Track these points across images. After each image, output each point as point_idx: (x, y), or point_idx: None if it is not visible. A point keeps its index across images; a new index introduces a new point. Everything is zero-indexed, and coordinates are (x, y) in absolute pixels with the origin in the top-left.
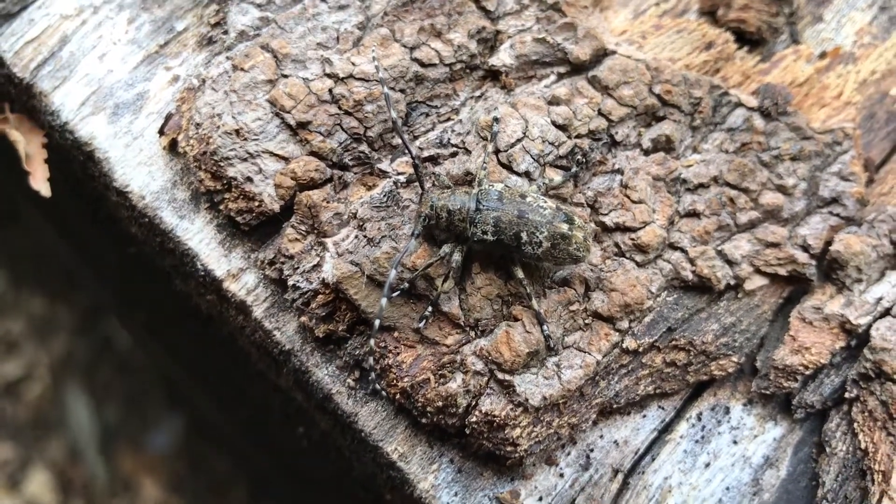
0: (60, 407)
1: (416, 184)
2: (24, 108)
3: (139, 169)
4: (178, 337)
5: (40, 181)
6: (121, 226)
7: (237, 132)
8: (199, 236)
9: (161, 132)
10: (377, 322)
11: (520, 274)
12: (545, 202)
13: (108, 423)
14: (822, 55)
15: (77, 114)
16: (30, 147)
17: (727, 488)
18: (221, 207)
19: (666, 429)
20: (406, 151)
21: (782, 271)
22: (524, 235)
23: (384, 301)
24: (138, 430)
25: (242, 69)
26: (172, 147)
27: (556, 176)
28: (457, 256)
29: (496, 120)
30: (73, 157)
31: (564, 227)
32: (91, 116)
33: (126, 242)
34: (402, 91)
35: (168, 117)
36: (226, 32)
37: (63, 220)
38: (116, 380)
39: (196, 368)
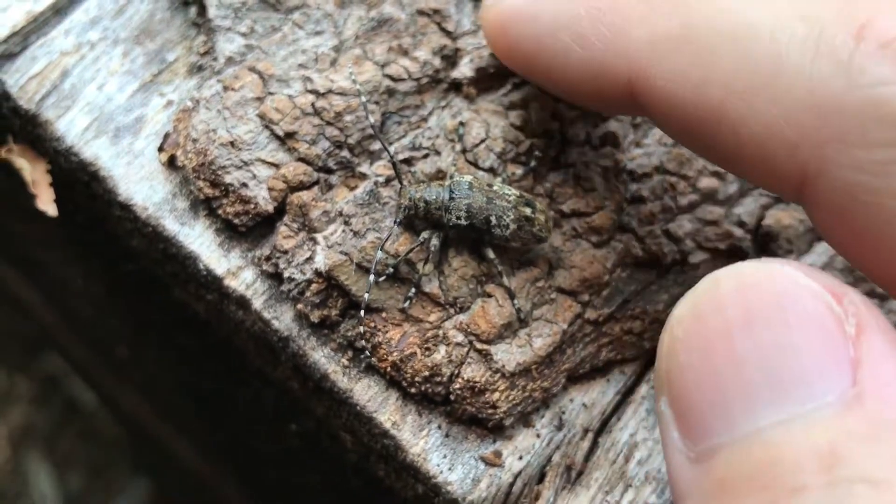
0: (21, 478)
1: (395, 182)
2: (28, 138)
3: (141, 184)
4: (158, 371)
5: (47, 202)
6: (118, 245)
7: (232, 144)
8: (199, 240)
9: (160, 149)
10: (367, 295)
11: (491, 255)
12: (510, 190)
13: (71, 492)
14: None
15: (81, 138)
16: (35, 173)
17: None
18: (220, 212)
19: (629, 391)
20: (385, 152)
21: (721, 246)
22: (493, 219)
23: (371, 278)
24: (103, 497)
25: (233, 89)
26: (171, 162)
27: (517, 170)
28: (435, 241)
29: (462, 124)
30: (75, 181)
31: (528, 211)
32: (94, 140)
33: (122, 261)
34: (376, 103)
35: (166, 136)
36: (215, 59)
37: (39, 268)
38: (79, 447)
39: (172, 410)
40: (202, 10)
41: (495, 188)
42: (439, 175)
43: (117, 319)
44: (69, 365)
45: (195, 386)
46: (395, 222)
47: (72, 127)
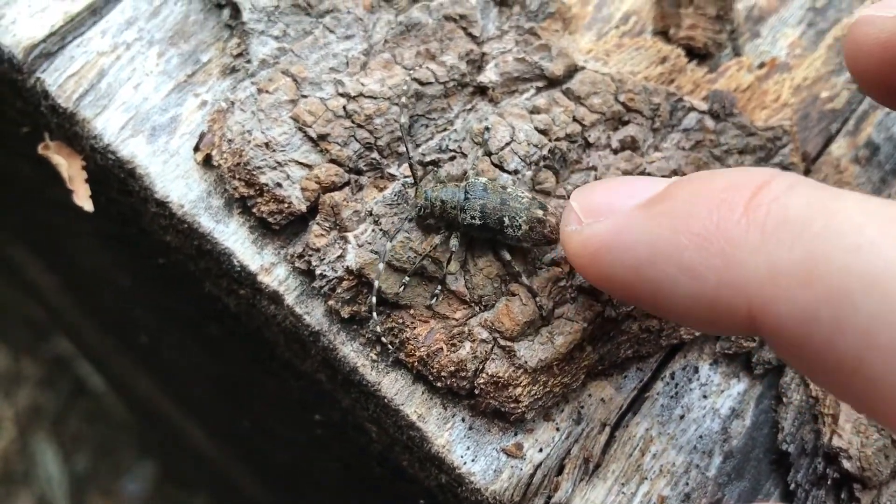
0: (28, 459)
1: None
2: (65, 135)
3: (177, 182)
4: (178, 358)
5: (83, 198)
6: (151, 239)
7: (266, 145)
8: (234, 237)
9: (196, 149)
10: (376, 283)
11: (507, 256)
12: (523, 193)
13: (78, 473)
14: (761, 65)
15: (118, 136)
16: (71, 169)
17: (700, 436)
18: (255, 210)
19: (645, 387)
20: (406, 153)
21: None
22: (506, 220)
23: (381, 266)
24: (110, 478)
25: (267, 91)
26: (206, 162)
27: (550, 178)
28: (454, 241)
29: (487, 128)
30: (111, 177)
31: (540, 213)
32: (131, 138)
33: (153, 255)
34: (404, 106)
35: (202, 136)
36: (248, 62)
37: (62, 256)
38: (86, 428)
39: (188, 396)
40: (236, 12)
41: (509, 190)
42: (466, 177)
43: (141, 309)
44: (78, 348)
45: (220, 374)
46: (408, 219)
47: (108, 125)
